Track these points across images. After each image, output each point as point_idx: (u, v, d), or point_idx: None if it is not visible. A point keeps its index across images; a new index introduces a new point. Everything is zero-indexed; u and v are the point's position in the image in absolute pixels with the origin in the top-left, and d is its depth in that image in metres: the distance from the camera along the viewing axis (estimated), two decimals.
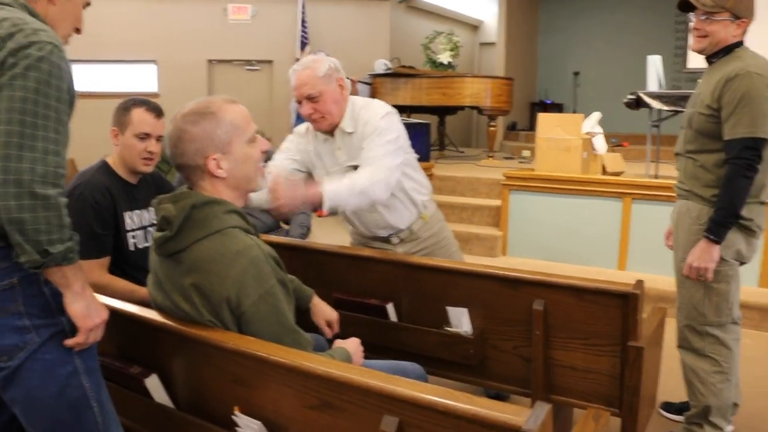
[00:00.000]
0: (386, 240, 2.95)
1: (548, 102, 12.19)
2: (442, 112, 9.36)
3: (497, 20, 11.32)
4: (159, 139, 2.61)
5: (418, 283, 2.65)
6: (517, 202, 5.87)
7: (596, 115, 6.04)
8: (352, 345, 2.03)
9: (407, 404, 1.42)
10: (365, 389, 1.48)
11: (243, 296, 1.72)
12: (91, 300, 1.67)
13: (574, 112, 10.35)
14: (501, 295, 2.47)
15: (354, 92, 7.39)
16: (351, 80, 7.52)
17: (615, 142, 9.06)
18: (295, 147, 2.91)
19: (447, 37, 9.40)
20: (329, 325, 2.52)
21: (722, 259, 2.60)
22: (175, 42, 9.37)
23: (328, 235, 5.70)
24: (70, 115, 1.64)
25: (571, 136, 5.69)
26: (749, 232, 2.61)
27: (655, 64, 6.04)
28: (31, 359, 1.64)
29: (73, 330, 1.66)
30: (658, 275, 4.73)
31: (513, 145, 10.30)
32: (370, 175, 2.58)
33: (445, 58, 9.24)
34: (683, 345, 2.77)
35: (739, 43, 2.61)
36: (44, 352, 1.65)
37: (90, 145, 5.99)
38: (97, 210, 2.52)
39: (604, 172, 5.95)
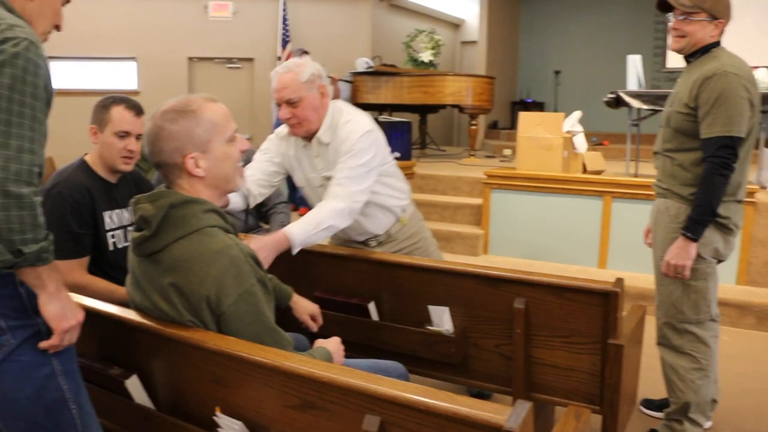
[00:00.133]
0: (364, 243, 2.95)
1: (529, 101, 12.23)
2: (424, 110, 9.36)
3: (478, 19, 11.33)
4: (139, 137, 2.58)
5: (399, 282, 2.65)
6: (499, 200, 5.89)
7: (576, 114, 6.07)
8: (333, 344, 2.03)
9: (389, 403, 1.42)
10: (346, 388, 1.48)
11: (223, 296, 1.71)
12: (67, 301, 1.64)
13: (555, 110, 10.38)
14: (482, 294, 2.48)
15: (335, 91, 7.39)
16: (332, 78, 7.52)
17: (595, 140, 9.12)
18: (276, 149, 2.89)
19: (428, 36, 9.39)
20: (313, 318, 2.54)
21: (700, 257, 2.62)
22: (155, 39, 9.31)
23: None
24: (47, 113, 1.61)
25: (551, 135, 5.72)
26: (726, 230, 2.64)
27: (634, 64, 6.08)
28: (6, 361, 1.61)
29: (49, 331, 1.64)
30: (638, 273, 4.76)
31: (494, 143, 10.33)
32: (333, 208, 2.57)
33: (426, 56, 9.23)
34: (662, 342, 2.79)
35: (717, 43, 2.64)
36: (20, 353, 1.62)
37: (68, 143, 5.94)
38: (76, 209, 2.49)
39: (585, 170, 5.98)
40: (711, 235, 2.61)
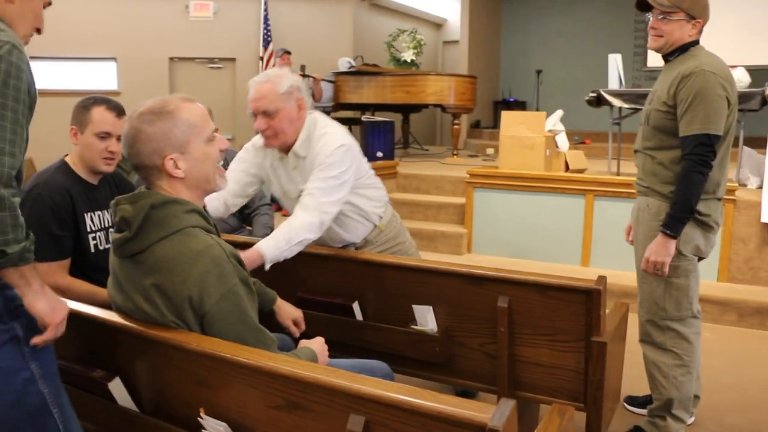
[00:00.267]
0: (342, 249, 2.94)
1: (511, 100, 12.26)
2: (406, 110, 9.37)
3: (460, 19, 11.36)
4: (120, 138, 2.56)
5: (383, 281, 2.65)
6: (482, 199, 5.90)
7: (558, 113, 6.10)
8: (317, 344, 2.03)
9: (373, 403, 1.41)
10: (331, 388, 1.47)
11: (205, 296, 1.70)
12: (51, 296, 1.66)
13: (537, 110, 10.42)
14: (466, 293, 2.48)
15: (318, 91, 7.38)
16: (314, 78, 7.52)
17: (577, 139, 9.16)
18: (252, 159, 2.87)
19: (410, 36, 9.40)
20: (296, 323, 2.53)
21: (681, 255, 2.64)
22: (136, 39, 9.25)
23: None
24: (29, 117, 1.61)
25: (534, 134, 5.74)
26: (707, 227, 2.66)
27: (615, 63, 6.11)
28: None
29: (26, 335, 1.62)
30: (620, 271, 4.79)
31: (477, 142, 10.35)
32: (304, 222, 2.55)
33: (408, 56, 9.24)
34: (645, 339, 2.81)
35: (695, 42, 2.66)
36: None
37: (48, 144, 5.89)
38: (56, 211, 2.47)
39: (567, 169, 6.01)
40: (692, 232, 2.63)
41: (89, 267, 2.58)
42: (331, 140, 2.66)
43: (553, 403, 2.21)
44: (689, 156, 2.53)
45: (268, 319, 2.33)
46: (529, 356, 2.43)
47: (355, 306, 2.67)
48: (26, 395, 1.64)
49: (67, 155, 2.65)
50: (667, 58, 2.73)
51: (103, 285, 2.02)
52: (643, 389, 3.07)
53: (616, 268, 4.98)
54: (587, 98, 5.94)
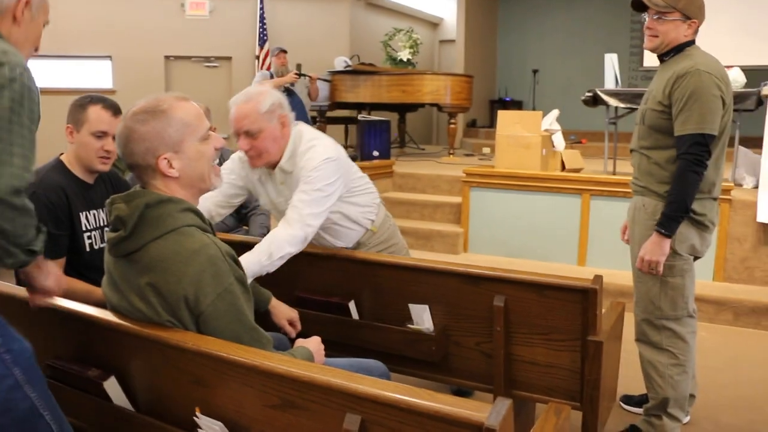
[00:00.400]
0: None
1: (507, 99, 12.27)
2: (403, 109, 9.37)
3: (456, 18, 11.36)
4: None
5: (379, 280, 2.65)
6: (478, 198, 5.90)
7: (554, 113, 6.10)
8: (314, 343, 2.02)
9: (369, 402, 1.41)
10: (327, 388, 1.47)
11: (201, 295, 1.70)
12: (54, 271, 1.90)
13: (533, 109, 10.44)
14: (462, 292, 2.48)
15: (314, 90, 7.37)
16: (310, 77, 7.50)
17: (573, 139, 9.17)
18: (239, 172, 2.84)
19: (407, 35, 9.39)
20: (291, 323, 2.53)
21: (677, 254, 2.65)
22: (131, 37, 9.23)
23: None
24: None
25: (530, 133, 5.75)
26: (702, 227, 2.66)
27: (612, 62, 6.12)
28: None
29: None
30: (616, 270, 4.80)
31: (473, 142, 10.36)
32: (287, 236, 2.53)
33: (404, 55, 9.23)
34: (641, 339, 2.81)
35: (691, 42, 2.66)
36: None
37: (42, 142, 5.85)
38: (51, 210, 2.46)
39: (563, 168, 6.02)
40: (687, 232, 2.64)
41: (84, 266, 2.58)
42: (316, 154, 2.63)
43: (550, 402, 2.20)
44: (684, 155, 2.54)
45: (264, 318, 2.33)
46: (525, 355, 2.43)
47: (352, 305, 2.67)
48: (13, 401, 1.64)
49: (62, 154, 2.64)
50: (662, 58, 2.73)
51: (98, 284, 2.02)
52: (639, 388, 3.07)
53: (613, 267, 4.98)
54: (583, 98, 5.95)
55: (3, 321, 1.67)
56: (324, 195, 2.60)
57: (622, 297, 4.43)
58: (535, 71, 11.44)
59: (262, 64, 9.26)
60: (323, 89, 8.12)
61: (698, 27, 2.66)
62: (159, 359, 1.76)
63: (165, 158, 1.75)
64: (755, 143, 5.44)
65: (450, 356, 2.58)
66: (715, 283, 4.85)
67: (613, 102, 5.72)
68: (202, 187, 1.86)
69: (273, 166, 2.70)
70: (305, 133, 2.72)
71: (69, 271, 2.53)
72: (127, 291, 1.79)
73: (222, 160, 3.09)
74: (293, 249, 2.55)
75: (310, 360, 1.90)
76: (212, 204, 2.79)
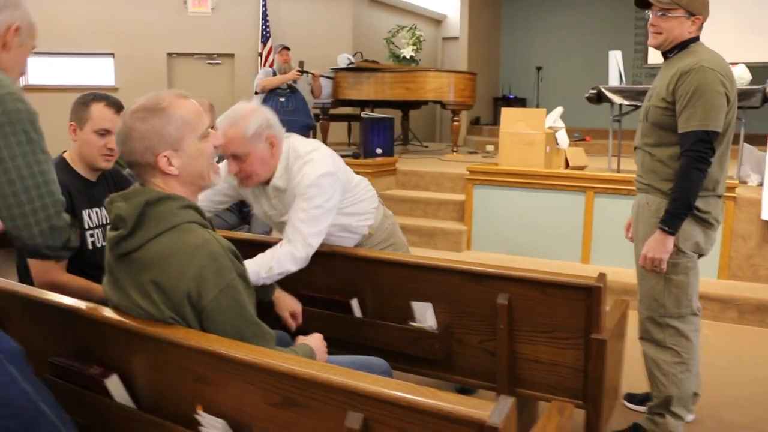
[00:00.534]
0: None
1: (511, 96, 12.26)
2: (406, 106, 9.37)
3: (460, 15, 11.35)
4: None
5: (382, 278, 2.64)
6: (481, 196, 5.90)
7: (558, 110, 6.09)
8: (316, 341, 2.03)
9: (371, 400, 1.41)
10: (329, 385, 1.46)
11: (203, 291, 1.70)
12: None
13: (537, 106, 10.42)
14: (465, 290, 2.47)
15: (317, 87, 7.36)
16: (313, 75, 7.50)
17: (577, 136, 9.16)
18: (231, 181, 2.76)
19: (410, 32, 9.39)
20: (293, 316, 2.53)
21: (681, 252, 2.64)
22: (134, 34, 9.23)
23: None
24: None
25: (534, 131, 5.73)
26: (707, 224, 2.65)
27: (616, 59, 6.10)
28: None
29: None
30: (620, 268, 4.79)
31: (477, 139, 10.34)
32: (288, 254, 2.51)
33: (408, 52, 9.23)
34: (644, 337, 2.80)
35: (695, 39, 2.65)
36: None
37: (46, 138, 5.86)
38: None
39: (567, 166, 6.00)
40: (691, 229, 2.62)
41: (87, 264, 2.57)
42: (311, 169, 2.56)
43: (553, 400, 2.20)
44: (688, 152, 2.53)
45: (266, 315, 2.32)
46: (528, 353, 2.42)
47: (354, 303, 2.67)
48: (10, 396, 1.64)
49: (65, 151, 2.64)
50: (666, 54, 2.72)
51: (100, 282, 2.02)
52: (642, 386, 3.06)
53: (617, 265, 4.97)
54: (587, 95, 5.93)
55: None
56: (323, 212, 2.56)
57: (626, 295, 4.42)
58: (538, 68, 11.42)
59: (265, 61, 9.26)
60: (326, 86, 8.11)
61: (702, 23, 2.65)
62: (161, 357, 1.76)
63: (165, 156, 1.75)
64: (760, 141, 5.43)
65: (453, 354, 2.57)
66: (720, 281, 4.84)
67: (617, 99, 5.71)
68: (201, 185, 1.86)
69: (266, 182, 2.66)
70: (298, 146, 2.65)
71: (71, 268, 2.54)
72: (129, 289, 1.78)
73: (222, 158, 3.09)
74: (293, 267, 2.54)
75: (311, 357, 1.91)
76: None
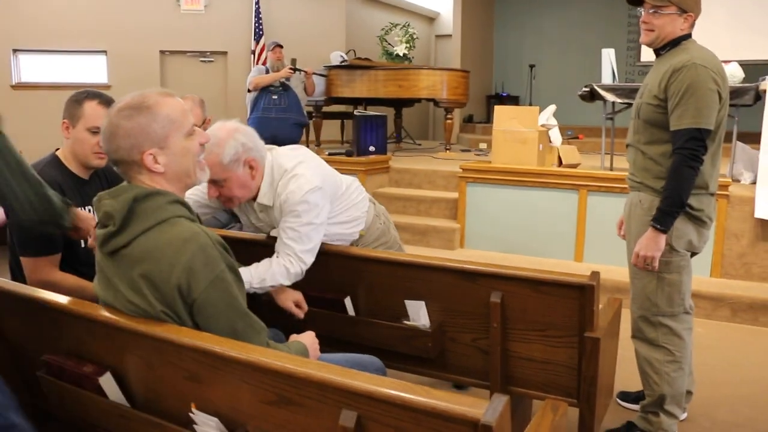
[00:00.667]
0: None
1: (504, 94, 12.27)
2: (399, 104, 9.36)
3: (453, 12, 11.35)
4: None
5: (375, 276, 2.64)
6: (474, 194, 5.90)
7: (551, 108, 6.09)
8: (308, 338, 2.04)
9: (365, 398, 1.40)
10: (323, 384, 1.46)
11: (194, 283, 1.70)
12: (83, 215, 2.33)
13: (530, 104, 10.43)
14: (458, 288, 2.47)
15: (310, 85, 7.35)
16: (306, 72, 7.47)
17: (570, 134, 9.17)
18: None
19: (403, 29, 9.39)
20: (297, 305, 2.57)
21: (674, 250, 2.64)
22: (126, 32, 9.19)
23: None
24: None
25: (527, 129, 5.73)
26: (700, 222, 2.65)
27: (609, 57, 6.11)
28: None
29: None
30: (614, 266, 4.79)
31: (470, 137, 10.35)
32: (283, 268, 2.51)
33: (401, 50, 9.23)
34: (637, 335, 2.80)
35: (687, 36, 2.65)
36: None
37: (38, 136, 5.85)
38: None
39: (560, 164, 6.01)
40: (684, 227, 2.63)
41: (79, 262, 2.56)
42: (298, 186, 2.51)
43: (546, 398, 2.20)
44: (680, 150, 2.53)
45: (262, 312, 2.32)
46: (521, 351, 2.42)
47: (347, 301, 2.66)
48: None
49: (58, 149, 2.62)
50: (658, 52, 2.72)
51: (92, 280, 2.01)
52: (636, 385, 3.07)
53: (610, 263, 4.98)
54: (580, 93, 5.94)
55: None
56: (313, 228, 2.55)
57: (619, 293, 4.43)
58: (531, 66, 11.43)
59: (258, 59, 9.24)
60: (319, 84, 8.10)
61: (694, 20, 2.65)
62: (154, 355, 1.76)
63: (150, 154, 1.75)
64: (753, 139, 5.44)
65: (446, 352, 2.57)
66: (713, 279, 4.85)
67: (610, 97, 5.71)
68: (188, 182, 1.87)
69: (252, 199, 2.63)
70: (283, 161, 2.59)
71: (64, 267, 2.52)
72: (119, 285, 1.78)
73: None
74: (286, 282, 2.54)
75: (304, 355, 1.91)
76: None
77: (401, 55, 9.21)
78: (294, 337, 2.04)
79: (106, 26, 9.13)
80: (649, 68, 2.82)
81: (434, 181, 6.70)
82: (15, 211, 2.08)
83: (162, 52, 9.46)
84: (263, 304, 2.69)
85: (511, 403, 1.33)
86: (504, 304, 2.38)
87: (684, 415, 3.02)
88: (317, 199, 2.54)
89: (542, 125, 5.88)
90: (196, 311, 1.74)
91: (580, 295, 2.27)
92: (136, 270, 1.73)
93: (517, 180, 5.66)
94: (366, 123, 7.01)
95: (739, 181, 5.34)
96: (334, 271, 2.72)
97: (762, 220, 4.73)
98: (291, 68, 7.00)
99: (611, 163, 6.09)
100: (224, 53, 9.64)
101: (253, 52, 9.40)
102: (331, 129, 9.51)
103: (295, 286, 2.69)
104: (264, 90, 6.92)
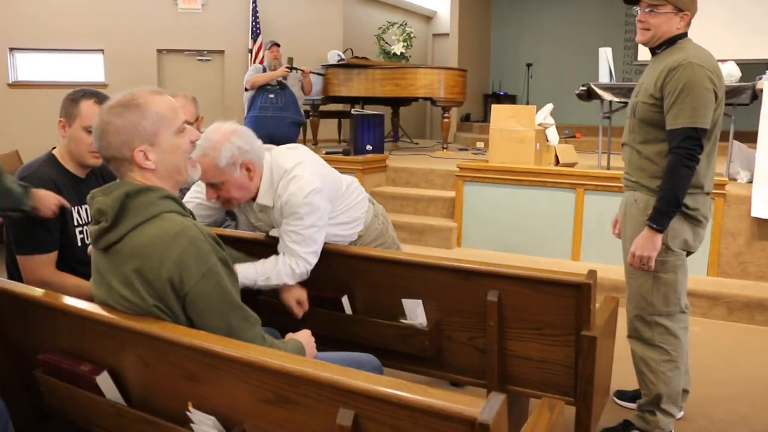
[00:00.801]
0: None
1: (501, 93, 12.27)
2: (396, 103, 9.36)
3: (450, 11, 11.35)
4: None
5: (372, 275, 2.64)
6: (472, 193, 5.90)
7: (548, 107, 6.09)
8: (304, 336, 2.05)
9: (362, 397, 1.41)
10: (320, 382, 1.46)
11: (185, 276, 1.71)
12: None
13: (527, 103, 10.43)
14: (455, 287, 2.47)
15: (307, 84, 7.35)
16: (303, 71, 7.48)
17: (567, 133, 9.18)
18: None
19: (400, 28, 9.39)
20: (299, 303, 2.58)
21: (669, 249, 2.64)
22: (123, 31, 9.17)
23: None
24: None
25: (524, 128, 5.74)
26: (695, 222, 2.66)
27: (606, 56, 6.11)
28: None
29: None
30: (610, 265, 4.80)
31: (467, 136, 10.35)
32: (288, 269, 2.53)
33: (398, 49, 9.23)
34: (633, 335, 2.81)
35: (683, 35, 2.65)
36: None
37: (34, 135, 5.84)
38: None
39: (557, 163, 6.01)
40: (680, 227, 2.63)
41: (76, 261, 2.56)
42: (298, 187, 2.50)
43: (543, 397, 2.20)
44: (676, 149, 2.53)
45: (258, 312, 2.32)
46: (518, 350, 2.42)
47: (345, 300, 2.66)
48: None
49: (54, 148, 2.62)
50: (654, 50, 2.72)
51: (89, 278, 2.01)
52: (632, 383, 3.07)
53: (607, 262, 4.98)
54: (577, 92, 5.94)
55: None
56: (317, 229, 2.55)
57: (616, 292, 4.44)
58: (529, 65, 11.44)
59: (255, 57, 9.23)
60: (316, 83, 8.10)
61: (690, 19, 2.65)
62: (151, 354, 1.76)
63: (140, 150, 1.77)
64: (750, 138, 5.45)
65: (443, 351, 2.57)
66: (709, 278, 4.86)
67: (607, 96, 5.72)
68: (179, 180, 1.88)
69: (251, 199, 2.63)
70: (282, 161, 2.58)
71: (61, 265, 2.53)
72: (112, 282, 1.79)
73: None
74: (290, 281, 2.56)
75: (300, 353, 1.92)
76: None
77: (398, 54, 9.21)
78: (290, 335, 2.04)
79: (103, 25, 9.10)
80: (646, 67, 2.82)
81: (431, 180, 6.70)
82: None
83: (159, 51, 9.44)
84: (260, 303, 2.70)
85: (507, 401, 1.33)
86: (501, 302, 2.38)
87: (681, 414, 3.02)
88: (319, 200, 2.54)
89: (539, 124, 5.88)
90: (188, 305, 1.75)
91: (577, 293, 2.27)
92: (129, 265, 1.74)
93: (514, 179, 5.67)
94: (363, 122, 7.01)
95: (735, 180, 5.35)
96: (331, 269, 2.72)
97: (758, 219, 4.74)
98: (287, 67, 7.00)
99: (608, 162, 6.09)
100: (221, 52, 9.63)
101: (251, 51, 9.39)
102: (328, 128, 9.51)
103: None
104: (261, 89, 6.92)
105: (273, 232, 2.68)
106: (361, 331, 2.62)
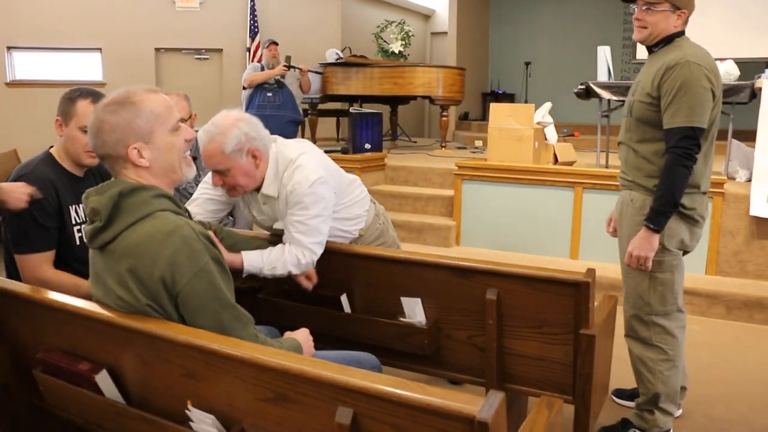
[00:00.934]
0: None
1: (500, 92, 12.26)
2: (395, 101, 9.34)
3: (448, 10, 11.34)
4: None
5: (371, 273, 2.64)
6: (470, 191, 5.90)
7: (547, 105, 6.10)
8: (302, 335, 2.04)
9: (361, 395, 1.41)
10: (319, 381, 1.46)
11: (177, 275, 1.71)
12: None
13: (526, 102, 10.43)
14: (454, 285, 2.47)
15: (305, 82, 7.34)
16: (301, 70, 7.47)
17: (566, 132, 9.17)
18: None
19: (399, 27, 9.38)
20: (308, 277, 2.62)
21: (666, 249, 2.64)
22: (121, 29, 9.15)
23: None
24: None
25: (522, 126, 5.74)
26: (692, 221, 2.65)
27: (604, 55, 6.11)
28: None
29: None
30: (609, 264, 4.79)
31: (465, 135, 10.35)
32: (294, 258, 2.53)
33: (396, 47, 9.22)
34: (630, 334, 2.81)
35: (680, 33, 2.65)
36: None
37: (32, 134, 5.83)
38: (40, 203, 2.44)
39: (556, 161, 6.02)
40: (677, 226, 2.63)
41: (74, 259, 2.56)
42: (304, 176, 2.52)
43: (542, 395, 2.20)
44: (673, 149, 2.52)
45: (257, 310, 2.33)
46: (517, 348, 2.42)
47: (343, 298, 2.66)
48: None
49: (52, 146, 2.62)
50: (651, 49, 2.71)
51: (88, 277, 2.01)
52: (631, 382, 3.07)
53: (605, 260, 4.98)
54: (576, 90, 5.94)
55: None
56: (322, 220, 2.56)
57: (614, 290, 4.44)
58: (527, 63, 11.43)
59: (253, 56, 9.22)
60: (315, 81, 8.10)
61: (688, 17, 2.64)
62: (150, 353, 1.76)
63: (135, 148, 1.77)
64: (749, 136, 5.45)
65: (442, 349, 2.57)
66: (708, 277, 4.87)
67: (605, 95, 5.72)
68: (173, 178, 1.88)
69: (256, 189, 2.63)
70: (287, 151, 2.60)
71: (59, 264, 2.52)
72: (108, 281, 1.80)
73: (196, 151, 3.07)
74: (296, 270, 2.57)
75: (298, 351, 1.92)
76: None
77: (397, 52, 9.20)
78: (288, 334, 2.04)
79: (101, 24, 9.09)
80: None
81: (430, 179, 6.70)
82: None
83: (157, 49, 9.42)
84: (259, 302, 2.70)
85: (506, 399, 1.33)
86: (500, 301, 2.38)
87: (679, 412, 3.03)
88: (323, 190, 2.55)
89: (538, 123, 5.89)
90: (180, 304, 1.74)
91: (576, 292, 2.27)
92: (123, 265, 1.74)
93: (512, 177, 5.67)
94: (362, 120, 7.01)
95: (734, 178, 5.35)
96: (330, 268, 2.72)
97: (757, 218, 4.74)
98: (285, 65, 7.00)
99: (607, 161, 6.09)
100: (219, 51, 9.61)
101: (249, 50, 9.37)
102: (326, 126, 9.50)
103: (291, 281, 2.70)
104: (259, 87, 6.92)
105: (277, 225, 2.67)
106: (360, 329, 2.62)
